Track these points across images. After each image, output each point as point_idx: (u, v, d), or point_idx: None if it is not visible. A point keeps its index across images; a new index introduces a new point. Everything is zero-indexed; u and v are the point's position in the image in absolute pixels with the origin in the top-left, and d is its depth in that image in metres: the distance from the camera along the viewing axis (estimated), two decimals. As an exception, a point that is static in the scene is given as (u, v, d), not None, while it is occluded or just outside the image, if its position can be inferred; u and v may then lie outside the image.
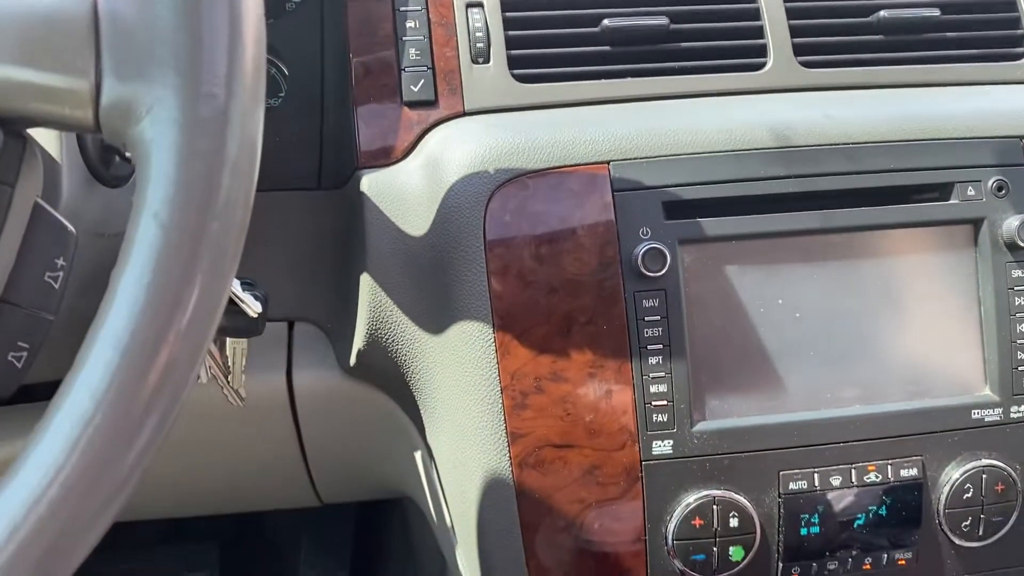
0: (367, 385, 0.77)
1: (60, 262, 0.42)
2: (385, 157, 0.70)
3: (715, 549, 0.66)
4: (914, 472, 0.69)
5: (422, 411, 0.72)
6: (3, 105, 0.36)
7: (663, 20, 0.73)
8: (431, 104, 0.71)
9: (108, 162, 0.59)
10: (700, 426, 0.66)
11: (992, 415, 0.69)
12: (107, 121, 0.36)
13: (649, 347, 0.65)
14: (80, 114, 0.36)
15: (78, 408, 0.34)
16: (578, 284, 0.65)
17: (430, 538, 0.93)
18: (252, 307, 0.59)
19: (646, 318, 0.65)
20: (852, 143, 0.69)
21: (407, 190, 0.69)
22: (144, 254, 0.34)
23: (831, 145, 0.68)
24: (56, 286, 0.42)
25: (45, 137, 0.52)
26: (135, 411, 0.34)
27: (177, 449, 0.83)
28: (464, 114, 0.71)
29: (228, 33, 0.36)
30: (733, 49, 0.74)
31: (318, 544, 1.42)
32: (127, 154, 0.37)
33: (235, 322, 0.58)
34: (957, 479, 0.69)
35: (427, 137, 0.70)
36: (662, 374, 0.65)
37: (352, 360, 0.74)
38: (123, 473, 0.34)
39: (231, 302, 0.59)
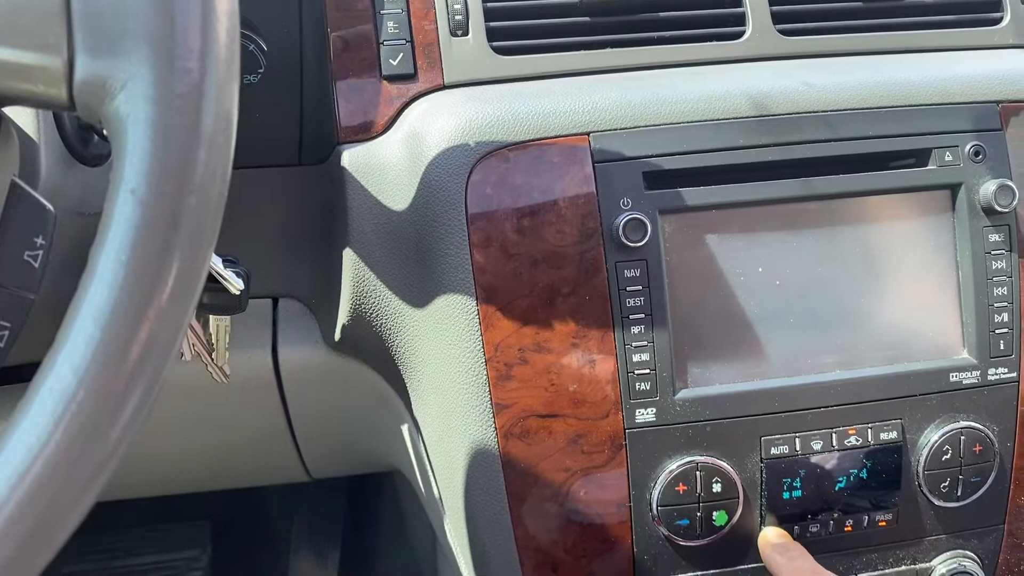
0: (353, 360, 0.77)
1: (40, 241, 0.42)
2: (365, 132, 0.70)
3: (699, 514, 0.67)
4: (894, 435, 0.70)
5: (408, 385, 0.72)
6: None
7: (643, -10, 0.73)
8: (410, 78, 0.71)
9: (86, 140, 0.59)
10: (682, 394, 0.67)
11: (970, 378, 0.70)
12: (81, 98, 0.36)
13: (631, 317, 0.66)
14: (54, 91, 0.36)
15: (60, 383, 0.34)
16: (560, 256, 0.65)
17: (420, 511, 0.94)
18: (234, 284, 0.59)
19: (628, 288, 0.65)
20: (830, 110, 0.69)
21: (388, 164, 0.69)
22: (122, 230, 0.35)
23: (809, 113, 0.69)
24: (36, 265, 0.42)
25: (22, 116, 0.52)
26: (117, 386, 0.34)
27: (165, 426, 0.83)
28: (444, 87, 0.71)
29: (201, 6, 0.36)
30: (711, 18, 0.74)
31: (310, 520, 1.43)
32: (104, 132, 0.37)
33: (217, 299, 0.59)
34: (936, 441, 0.70)
35: (407, 111, 0.70)
36: (644, 343, 0.66)
37: (337, 335, 0.74)
38: (107, 448, 0.35)
39: (213, 279, 0.59)
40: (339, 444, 0.93)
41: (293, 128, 0.73)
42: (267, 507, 1.46)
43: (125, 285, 0.35)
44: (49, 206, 0.43)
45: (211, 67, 0.36)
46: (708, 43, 0.74)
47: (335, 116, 0.70)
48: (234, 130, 0.37)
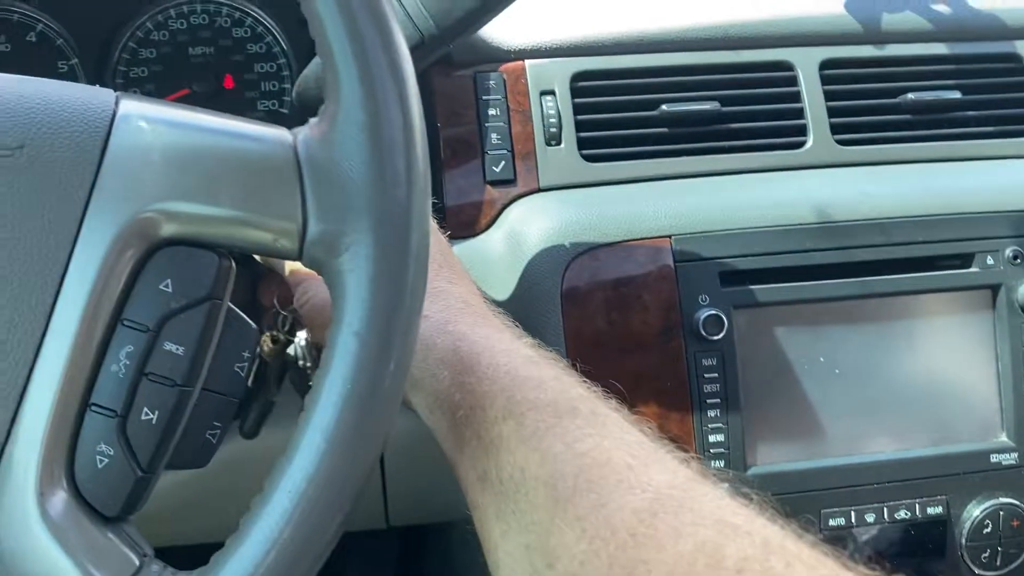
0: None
1: (246, 354, 0.51)
2: (470, 229, 0.79)
3: (765, 579, 0.75)
4: (939, 510, 0.77)
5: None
6: (223, 240, 0.45)
7: (714, 104, 0.82)
8: (511, 182, 0.80)
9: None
10: (752, 471, 0.75)
11: (1008, 459, 0.78)
12: (309, 252, 0.45)
13: (708, 401, 0.74)
14: (287, 246, 0.45)
15: (294, 487, 0.43)
16: (645, 345, 0.74)
17: (473, 565, 1.00)
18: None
19: (705, 376, 0.74)
20: (884, 218, 0.77)
21: (491, 260, 0.77)
22: (346, 364, 0.43)
23: (866, 220, 0.77)
24: (243, 375, 0.50)
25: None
26: (340, 489, 0.43)
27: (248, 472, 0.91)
28: (539, 190, 0.80)
29: (407, 183, 0.44)
30: (776, 129, 0.83)
31: (362, 571, 1.48)
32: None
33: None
34: (977, 516, 0.77)
35: (507, 211, 0.79)
36: (719, 425, 0.74)
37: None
38: (326, 540, 0.43)
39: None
40: (426, 491, 1.00)
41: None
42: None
43: (347, 407, 0.43)
44: (253, 324, 0.52)
45: (415, 233, 0.44)
46: (773, 152, 0.83)
47: (444, 215, 0.79)
48: (426, 277, 0.46)
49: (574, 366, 0.72)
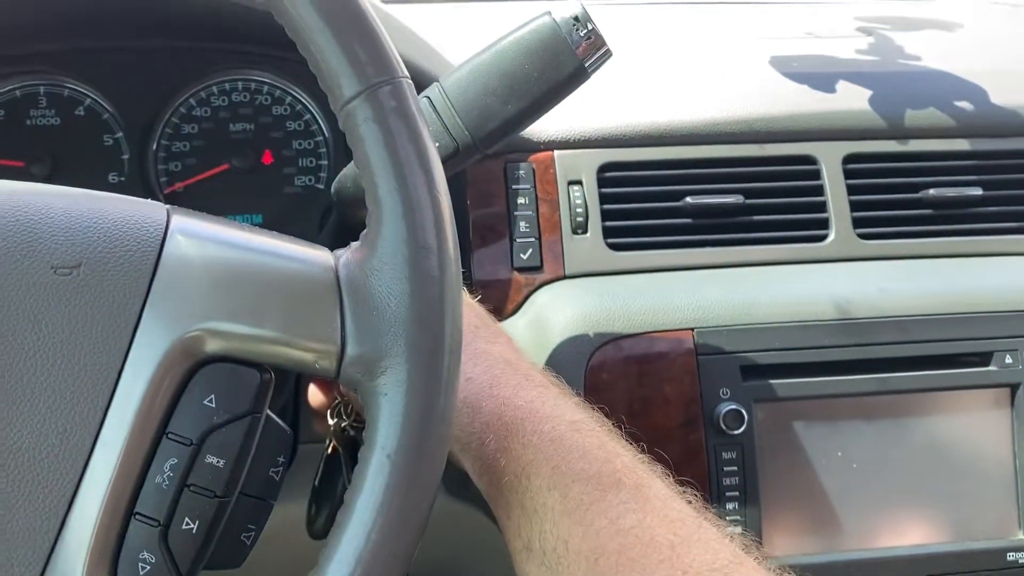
0: (469, 505, 0.87)
1: (281, 459, 0.53)
2: (496, 314, 0.81)
3: (780, 671, 0.76)
4: (955, 606, 0.78)
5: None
6: (265, 358, 0.47)
7: (738, 197, 0.84)
8: (537, 269, 0.82)
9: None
10: (770, 563, 0.75)
11: (1025, 557, 0.79)
12: (346, 373, 0.47)
13: (727, 494, 0.75)
14: (326, 367, 0.47)
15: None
16: (666, 437, 0.75)
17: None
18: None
19: (725, 468, 0.75)
20: (904, 316, 0.79)
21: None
22: (379, 485, 0.45)
23: (885, 318, 0.78)
24: (277, 479, 0.52)
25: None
26: None
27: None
28: (565, 277, 0.82)
29: (441, 313, 0.47)
30: (799, 222, 0.85)
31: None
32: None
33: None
34: (993, 613, 0.78)
35: (533, 297, 0.81)
36: (738, 518, 0.75)
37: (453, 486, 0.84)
38: None
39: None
40: (450, 566, 1.01)
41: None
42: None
43: (378, 529, 0.45)
44: (289, 430, 0.54)
45: (447, 361, 0.47)
46: (796, 244, 0.84)
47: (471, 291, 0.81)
48: (455, 407, 0.48)
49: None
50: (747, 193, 0.84)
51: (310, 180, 0.95)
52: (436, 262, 0.47)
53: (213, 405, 0.47)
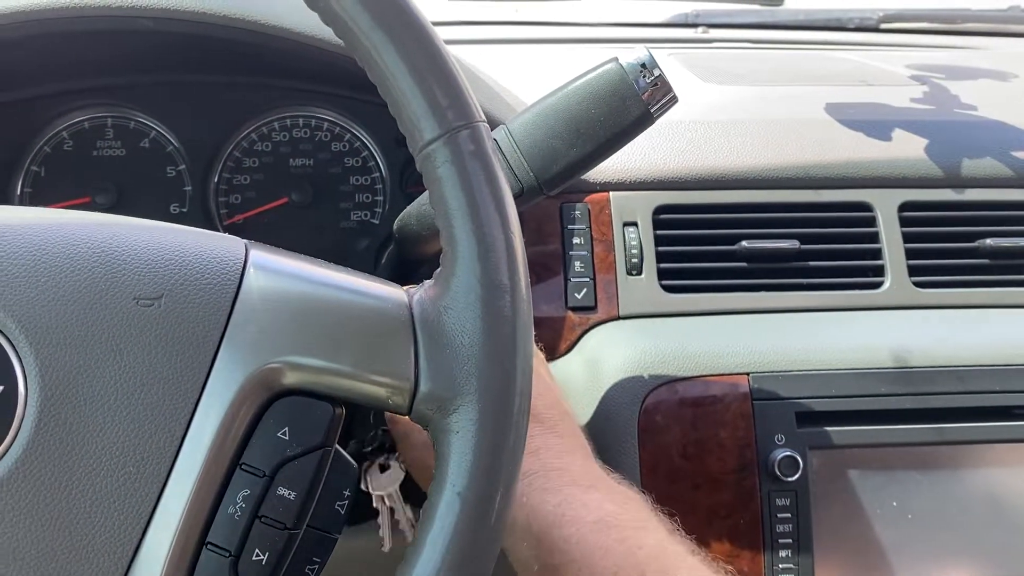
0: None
1: (347, 492, 0.53)
2: (550, 353, 0.81)
3: None
4: (1012, 664, 0.76)
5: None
6: (340, 393, 0.48)
7: (794, 242, 0.84)
8: (591, 309, 0.82)
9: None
10: (811, 627, 0.75)
11: (1085, 617, 0.77)
12: (418, 410, 0.47)
13: (780, 541, 0.74)
14: (398, 403, 0.48)
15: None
16: (719, 482, 0.75)
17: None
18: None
19: (778, 515, 0.74)
20: (961, 366, 0.78)
21: (569, 384, 0.80)
22: (448, 523, 0.45)
23: (942, 367, 0.78)
24: (342, 512, 0.53)
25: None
26: None
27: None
28: (619, 318, 0.82)
29: (513, 353, 0.47)
30: (854, 269, 0.85)
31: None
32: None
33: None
34: (1051, 673, 0.76)
35: (586, 337, 0.82)
36: (791, 566, 0.74)
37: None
38: None
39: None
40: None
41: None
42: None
43: (447, 564, 0.45)
44: (355, 464, 0.54)
45: (518, 401, 0.47)
46: (851, 291, 0.84)
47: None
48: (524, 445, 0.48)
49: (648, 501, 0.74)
50: (802, 239, 0.84)
51: (365, 215, 0.97)
52: (509, 302, 0.48)
53: (287, 438, 0.48)
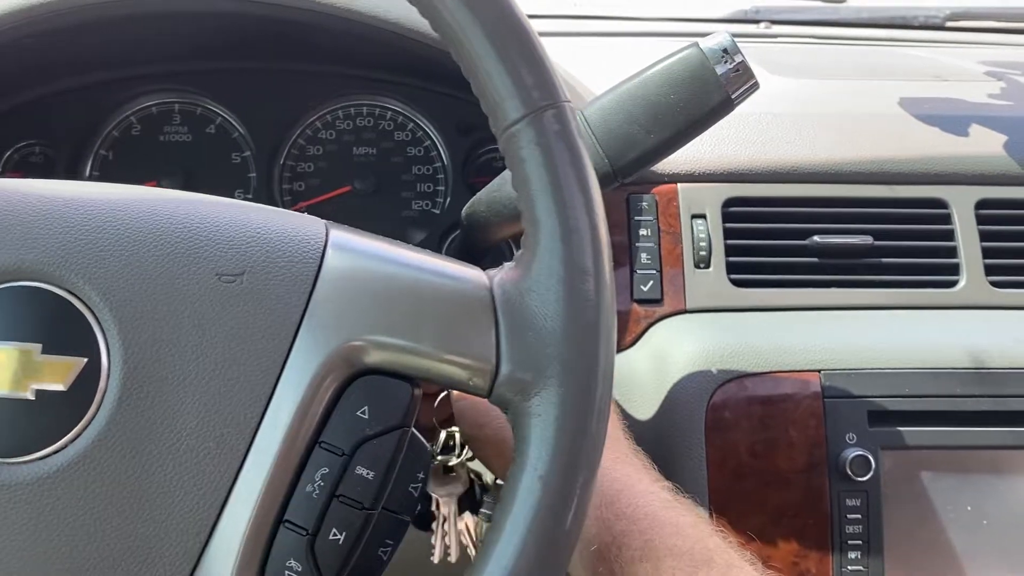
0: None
1: (420, 475, 0.53)
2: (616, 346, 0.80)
3: None
4: (1089, 677, 0.74)
5: None
6: (421, 372, 0.47)
7: (867, 238, 0.82)
8: (657, 302, 0.81)
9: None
10: (883, 628, 0.73)
11: None
12: (498, 392, 0.47)
13: (849, 543, 0.72)
14: (479, 384, 0.47)
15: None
16: (788, 480, 0.73)
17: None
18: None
19: (848, 516, 0.73)
20: (1041, 367, 0.76)
21: (634, 378, 0.79)
22: (530, 506, 0.45)
23: (1020, 369, 0.76)
24: (416, 495, 0.52)
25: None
26: None
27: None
28: (685, 311, 0.81)
29: (597, 335, 0.46)
30: (929, 267, 0.83)
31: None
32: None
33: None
34: None
35: (652, 330, 0.80)
36: (860, 568, 0.72)
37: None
38: None
39: (487, 487, 0.68)
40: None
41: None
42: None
43: (529, 549, 0.44)
44: (428, 447, 0.54)
45: (602, 385, 0.46)
46: (925, 289, 0.82)
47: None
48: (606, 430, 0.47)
49: (715, 500, 0.73)
50: (876, 235, 0.82)
51: (427, 205, 0.96)
52: (593, 285, 0.47)
53: (366, 416, 0.47)
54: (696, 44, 0.62)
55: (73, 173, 0.94)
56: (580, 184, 0.48)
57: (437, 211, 0.96)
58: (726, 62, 0.61)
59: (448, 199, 0.96)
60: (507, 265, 0.50)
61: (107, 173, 0.94)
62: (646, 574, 0.54)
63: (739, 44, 0.63)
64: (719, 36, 0.62)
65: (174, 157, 0.95)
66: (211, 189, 0.95)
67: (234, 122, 0.95)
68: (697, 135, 0.64)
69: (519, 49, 0.48)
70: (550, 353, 0.46)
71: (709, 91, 0.61)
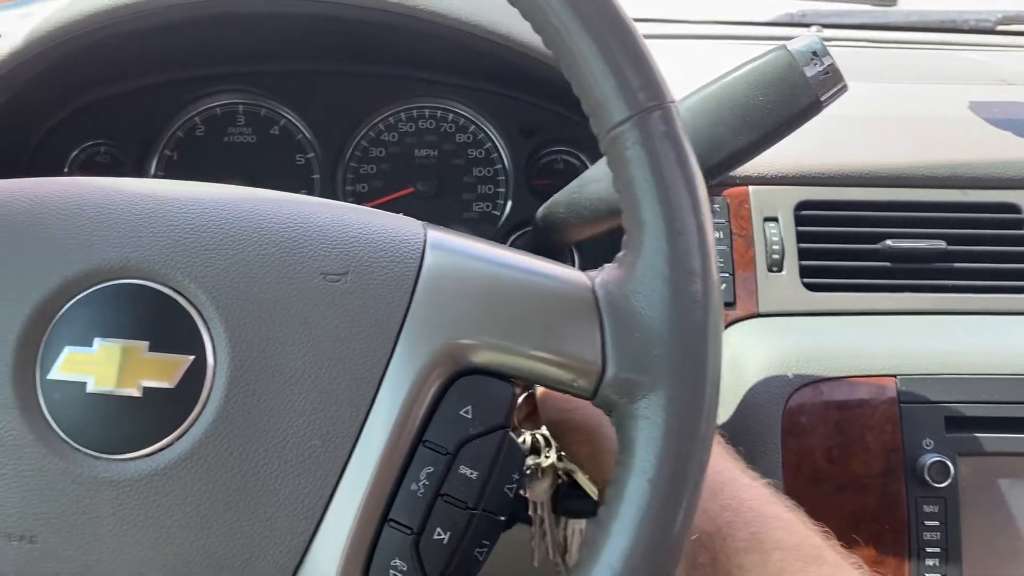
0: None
1: (515, 476, 0.52)
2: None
3: None
4: None
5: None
6: (524, 373, 0.47)
7: (940, 243, 0.81)
8: (730, 305, 0.80)
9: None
10: (968, 645, 0.72)
11: None
12: (603, 394, 0.46)
13: (927, 550, 0.72)
14: (583, 386, 0.47)
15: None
16: (864, 486, 0.72)
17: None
18: (592, 490, 0.68)
19: (926, 523, 0.72)
20: (1123, 376, 0.75)
21: (706, 382, 0.78)
22: (638, 508, 0.44)
23: (1102, 375, 0.75)
24: (511, 496, 0.52)
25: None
26: None
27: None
28: (758, 315, 0.80)
29: (705, 336, 0.46)
30: (1002, 272, 0.82)
31: None
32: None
33: (577, 505, 0.67)
34: None
35: (725, 334, 0.80)
36: (938, 575, 0.72)
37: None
38: None
39: (575, 485, 0.68)
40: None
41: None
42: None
43: (638, 552, 0.44)
44: (523, 448, 0.54)
45: (710, 387, 0.46)
46: (1000, 295, 0.81)
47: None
48: (714, 433, 0.47)
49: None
50: (949, 239, 0.81)
51: (488, 207, 0.96)
52: (701, 286, 0.46)
53: (470, 416, 0.47)
54: (784, 46, 0.62)
55: (139, 173, 0.94)
56: (687, 185, 0.47)
57: (498, 213, 0.96)
58: (816, 64, 0.61)
59: (509, 201, 0.96)
60: (608, 266, 0.49)
61: (172, 174, 0.95)
62: (753, 565, 0.54)
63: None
64: (807, 38, 0.62)
65: (238, 158, 0.95)
66: (274, 190, 0.96)
67: (298, 123, 0.95)
68: (784, 137, 0.63)
69: (624, 49, 0.48)
70: (657, 355, 0.46)
71: (798, 93, 0.61)
